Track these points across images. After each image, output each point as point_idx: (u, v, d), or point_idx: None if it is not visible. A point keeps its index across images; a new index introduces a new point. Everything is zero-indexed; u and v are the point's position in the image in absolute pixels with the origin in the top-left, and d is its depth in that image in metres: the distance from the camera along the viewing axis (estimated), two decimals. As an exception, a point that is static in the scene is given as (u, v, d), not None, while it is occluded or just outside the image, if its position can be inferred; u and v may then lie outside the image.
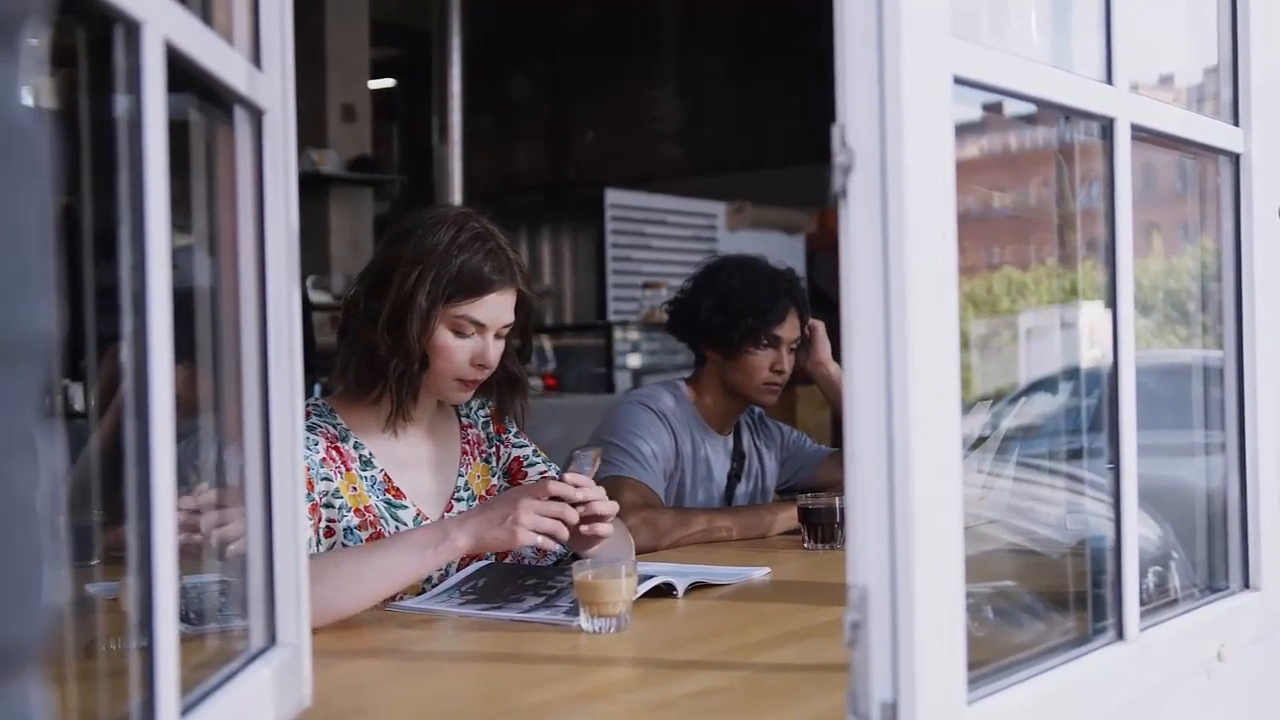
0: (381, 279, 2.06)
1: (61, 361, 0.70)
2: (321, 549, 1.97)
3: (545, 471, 2.27)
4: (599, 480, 2.70)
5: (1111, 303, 1.43)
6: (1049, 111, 1.46)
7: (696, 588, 2.05)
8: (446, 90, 7.02)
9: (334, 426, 2.09)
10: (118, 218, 0.94)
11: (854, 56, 1.08)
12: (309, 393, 1.88)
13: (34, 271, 0.60)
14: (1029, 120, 1.57)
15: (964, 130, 1.18)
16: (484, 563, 2.11)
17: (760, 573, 2.22)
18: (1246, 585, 1.70)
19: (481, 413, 2.28)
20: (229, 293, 1.26)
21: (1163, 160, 1.79)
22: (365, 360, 2.07)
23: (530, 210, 8.87)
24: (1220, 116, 1.70)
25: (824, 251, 7.72)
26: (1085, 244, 1.60)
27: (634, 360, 7.53)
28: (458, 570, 2.10)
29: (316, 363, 4.22)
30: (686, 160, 9.41)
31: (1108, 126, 1.43)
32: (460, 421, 2.26)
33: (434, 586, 2.06)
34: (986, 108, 1.35)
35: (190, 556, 1.39)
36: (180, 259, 1.02)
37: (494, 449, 2.27)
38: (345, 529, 2.02)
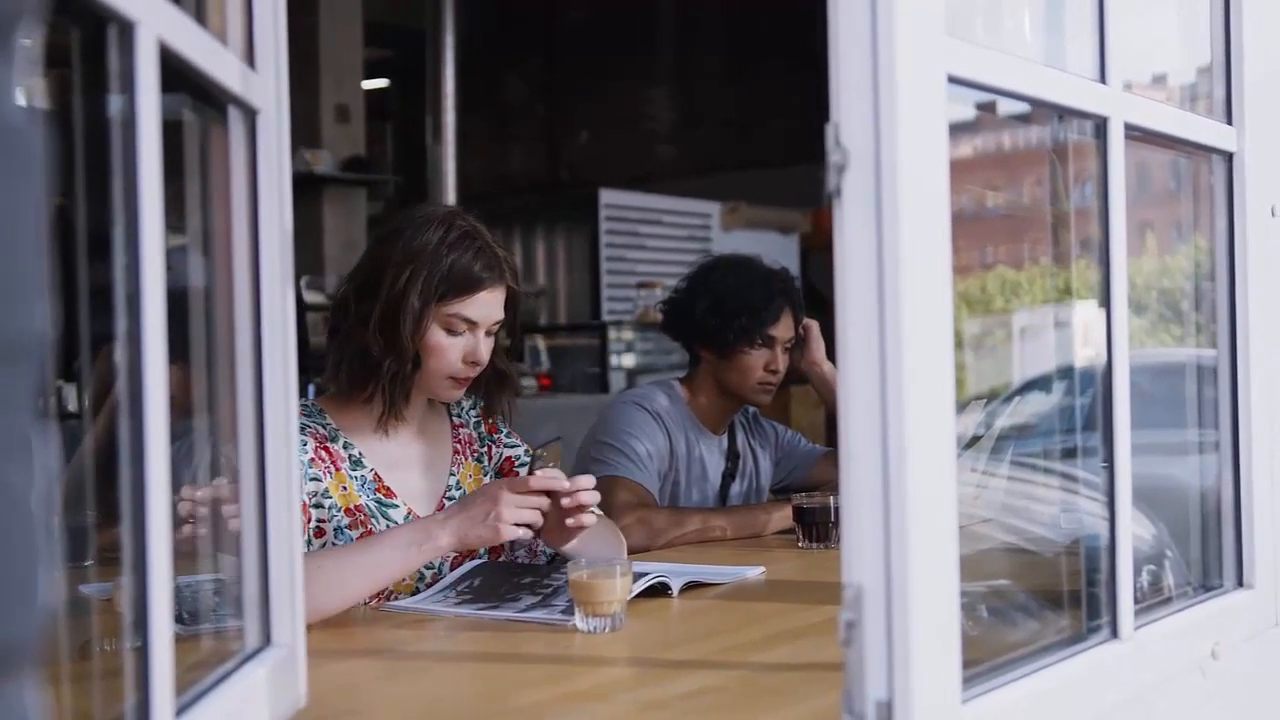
0: (372, 280, 2.06)
1: (55, 362, 0.70)
2: (312, 549, 1.98)
3: None
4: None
5: (1105, 302, 1.43)
6: (1042, 110, 1.46)
7: (691, 587, 2.05)
8: (440, 90, 7.02)
9: (323, 427, 2.09)
10: (111, 218, 0.94)
11: (848, 56, 1.08)
12: (303, 393, 1.89)
13: (30, 272, 0.60)
14: (1023, 119, 1.57)
15: (958, 129, 1.18)
16: (478, 561, 2.11)
17: (755, 572, 2.23)
18: (1240, 584, 1.70)
19: (473, 413, 2.28)
20: (223, 293, 1.26)
21: (1156, 159, 1.80)
22: (357, 361, 2.07)
23: (525, 210, 8.86)
24: (1213, 115, 1.71)
25: (818, 251, 7.72)
26: (1079, 243, 1.60)
27: (628, 360, 7.52)
28: (451, 569, 2.10)
29: (310, 363, 4.22)
30: (681, 160, 9.41)
31: (1101, 125, 1.43)
32: (452, 421, 2.26)
33: (428, 586, 2.06)
34: (980, 107, 1.36)
35: (198, 547, 1.39)
36: (174, 259, 1.02)
37: (486, 449, 2.27)
38: (335, 529, 2.03)
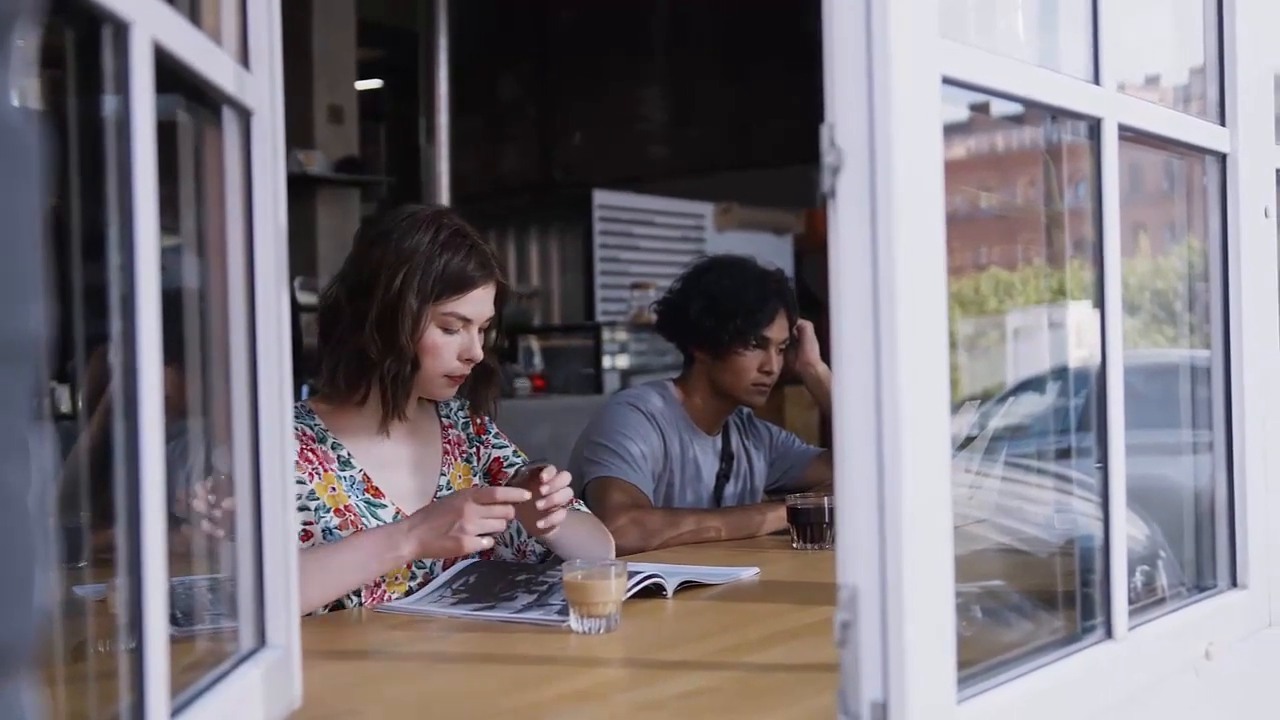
0: (365, 282, 2.07)
1: (50, 363, 0.70)
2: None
3: None
4: (587, 481, 2.72)
5: (1099, 302, 1.43)
6: (1036, 111, 1.46)
7: (686, 588, 2.05)
8: (434, 91, 7.02)
9: (310, 428, 2.10)
10: (106, 219, 0.94)
11: (843, 57, 1.08)
12: (297, 394, 1.88)
13: (27, 272, 0.60)
14: (1016, 120, 1.57)
15: (951, 130, 1.18)
16: (472, 560, 2.11)
17: (749, 573, 2.23)
18: (1234, 584, 1.70)
19: (461, 413, 2.29)
20: (217, 294, 1.26)
21: (1149, 160, 1.80)
22: (354, 363, 2.08)
23: (518, 211, 8.86)
24: (1206, 116, 1.71)
25: (812, 252, 7.72)
26: (1072, 244, 1.60)
27: (622, 361, 7.53)
28: (444, 569, 2.10)
29: (304, 364, 4.21)
30: (674, 161, 9.41)
31: (1095, 127, 1.43)
32: (441, 422, 2.27)
33: (420, 585, 2.06)
34: (973, 108, 1.36)
35: (210, 547, 1.39)
36: (169, 260, 1.02)
37: (474, 449, 2.28)
38: (325, 529, 2.03)
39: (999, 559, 1.67)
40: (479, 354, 2.12)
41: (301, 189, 6.86)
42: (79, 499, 1.19)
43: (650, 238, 8.35)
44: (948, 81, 1.16)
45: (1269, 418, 1.73)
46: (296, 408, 2.12)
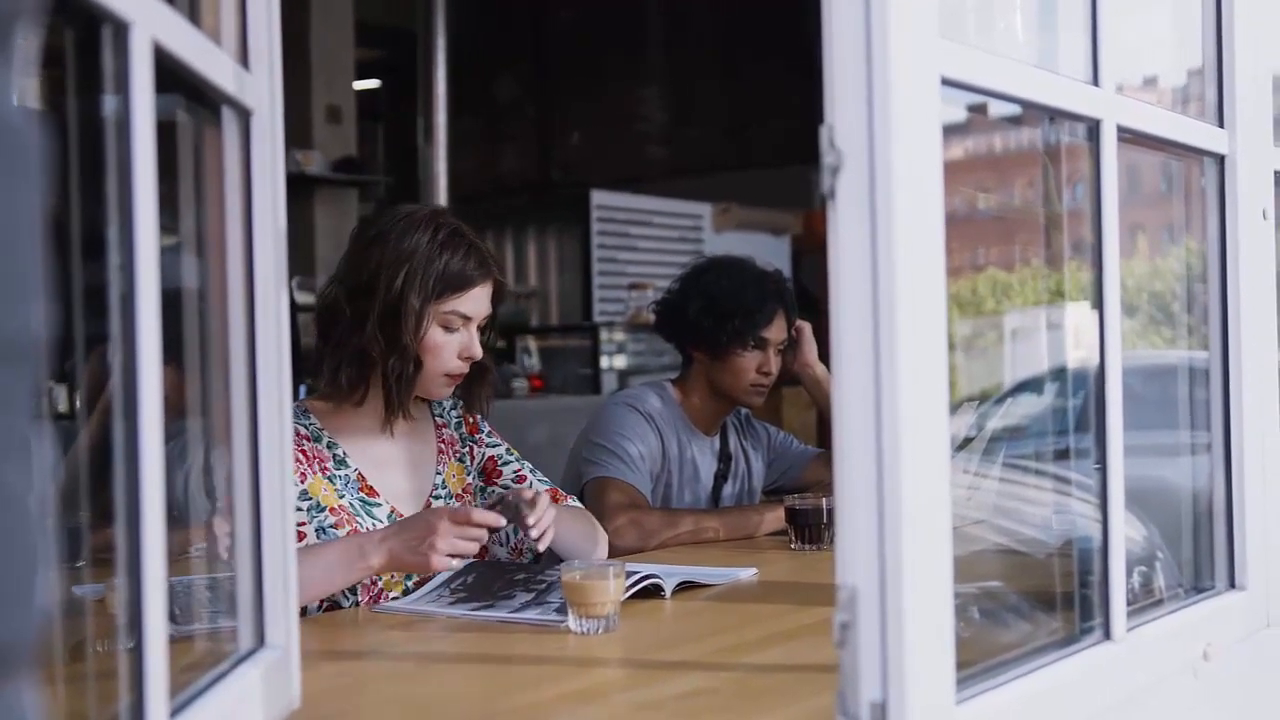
0: (365, 282, 2.07)
1: (49, 362, 0.70)
2: None
3: (519, 470, 2.31)
4: (585, 481, 2.72)
5: (1098, 304, 1.43)
6: (1034, 112, 1.47)
7: (684, 588, 2.06)
8: (431, 91, 7.02)
9: (305, 427, 2.10)
10: (106, 218, 0.94)
11: (842, 58, 1.08)
12: (296, 394, 1.89)
13: (28, 272, 0.60)
14: (1014, 121, 1.57)
15: (950, 131, 1.18)
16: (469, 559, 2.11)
17: (747, 573, 2.23)
18: (1232, 585, 1.70)
19: (453, 413, 2.30)
20: (216, 294, 1.26)
21: (1147, 161, 1.80)
22: (356, 363, 2.08)
23: (516, 211, 8.86)
24: (1205, 118, 1.71)
25: (810, 253, 7.73)
26: (1070, 245, 1.60)
27: (620, 361, 7.53)
28: None
29: (303, 364, 4.21)
30: (672, 161, 9.42)
31: (1094, 128, 1.43)
32: (435, 421, 2.28)
33: (417, 585, 2.06)
34: (971, 108, 1.36)
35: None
36: (168, 260, 1.01)
37: (467, 449, 2.29)
38: (319, 529, 2.03)
39: (997, 560, 1.67)
40: (478, 352, 2.13)
41: (299, 189, 6.86)
42: (78, 498, 1.19)
43: (648, 238, 8.35)
44: (947, 83, 1.16)
45: (1267, 419, 1.73)
46: (293, 408, 2.12)
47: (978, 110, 1.37)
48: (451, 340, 2.11)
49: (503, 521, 1.92)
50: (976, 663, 1.23)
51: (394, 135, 8.62)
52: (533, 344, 7.50)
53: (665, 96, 9.60)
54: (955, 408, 1.17)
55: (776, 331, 2.86)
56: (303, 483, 2.04)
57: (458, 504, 2.22)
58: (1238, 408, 1.70)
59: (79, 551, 1.30)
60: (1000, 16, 1.64)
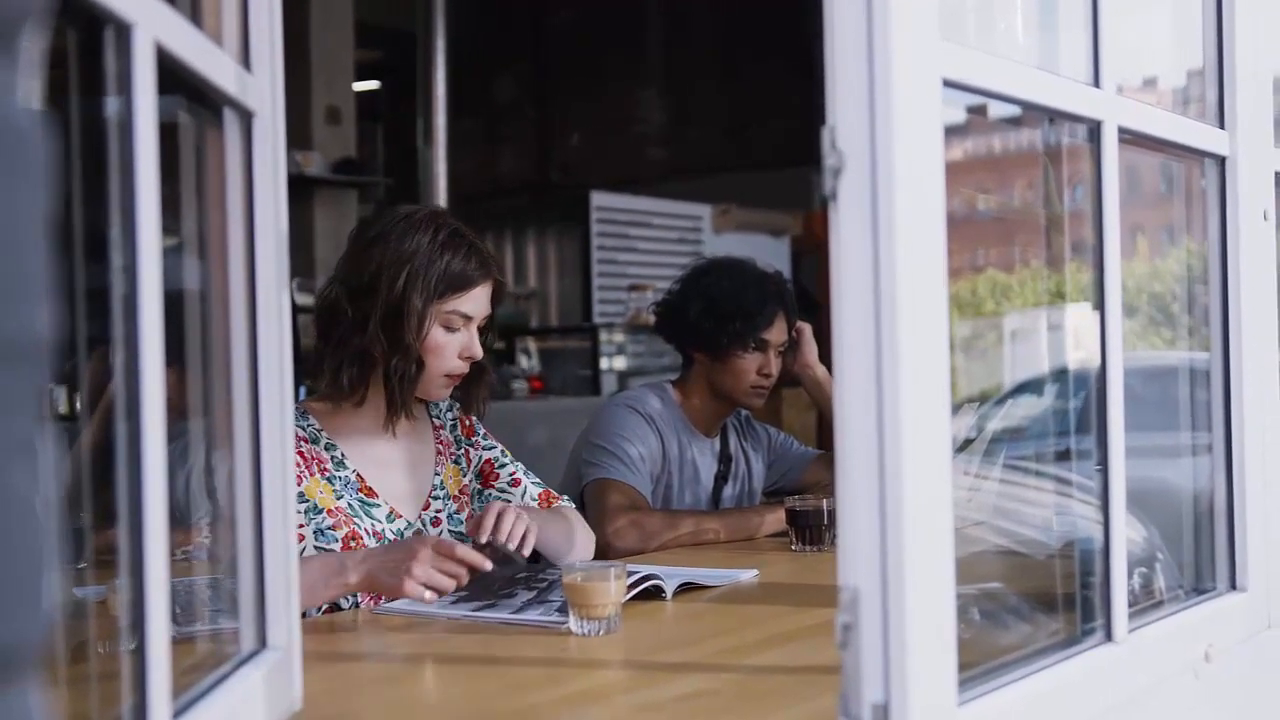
0: (367, 283, 2.07)
1: (51, 364, 0.70)
2: None
3: (514, 473, 2.31)
4: (586, 483, 2.72)
5: (1099, 305, 1.43)
6: (1035, 114, 1.47)
7: (685, 590, 2.06)
8: (431, 92, 7.02)
9: (303, 428, 2.10)
10: (108, 219, 0.94)
11: (844, 60, 1.08)
12: (296, 395, 1.88)
13: (32, 273, 0.60)
14: (1015, 122, 1.57)
15: (950, 132, 1.18)
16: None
17: (748, 575, 2.23)
18: (1233, 586, 1.70)
19: (449, 415, 2.31)
20: (218, 295, 1.26)
21: (1148, 162, 1.80)
22: (358, 364, 2.08)
23: (515, 212, 8.86)
24: (1205, 119, 1.71)
25: (810, 254, 7.72)
26: (1070, 246, 1.60)
27: (619, 362, 7.52)
28: None
29: (303, 365, 4.22)
30: (672, 162, 9.41)
31: (1095, 129, 1.43)
32: (433, 422, 2.28)
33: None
34: (972, 110, 1.36)
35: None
36: (170, 261, 1.01)
37: (463, 451, 2.29)
38: (317, 530, 2.03)
39: (998, 561, 1.67)
40: (479, 352, 2.14)
41: (299, 190, 6.86)
42: (80, 500, 1.19)
43: (648, 239, 8.35)
44: (948, 84, 1.16)
45: (1268, 420, 1.73)
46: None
47: (978, 111, 1.38)
48: (452, 340, 2.11)
49: (488, 565, 1.87)
50: (978, 664, 1.23)
51: (393, 136, 8.62)
52: (532, 345, 7.50)
53: (665, 97, 9.61)
54: (956, 409, 1.17)
55: (777, 333, 2.86)
56: (299, 485, 2.04)
57: (455, 505, 2.22)
58: (1238, 409, 1.70)
59: (81, 553, 1.30)
60: (1001, 17, 1.64)
